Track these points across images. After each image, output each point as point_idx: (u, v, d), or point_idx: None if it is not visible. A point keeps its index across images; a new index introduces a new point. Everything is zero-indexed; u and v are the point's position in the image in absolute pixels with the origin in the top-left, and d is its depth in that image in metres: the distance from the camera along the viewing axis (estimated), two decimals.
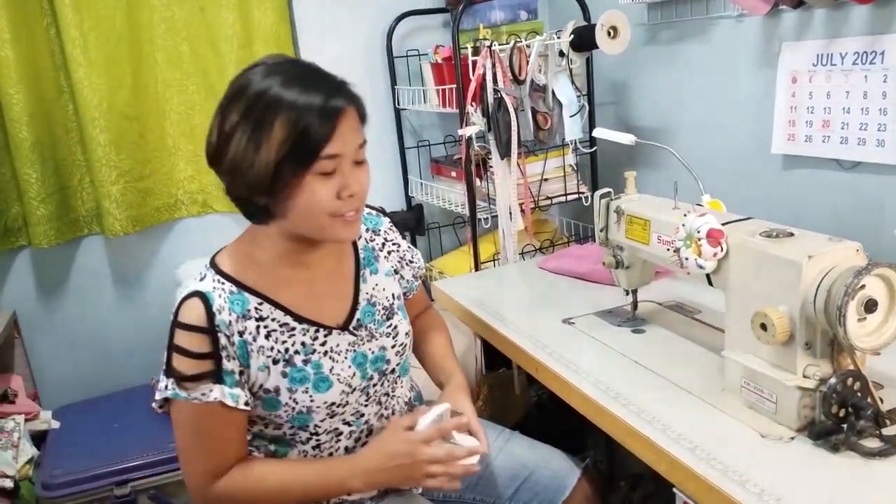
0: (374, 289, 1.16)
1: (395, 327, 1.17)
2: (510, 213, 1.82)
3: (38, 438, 1.81)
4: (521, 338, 1.33)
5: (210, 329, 0.98)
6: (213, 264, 1.05)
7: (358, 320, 1.12)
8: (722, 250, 1.00)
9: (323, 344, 1.07)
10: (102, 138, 1.89)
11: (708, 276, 1.05)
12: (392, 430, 1.06)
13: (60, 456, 1.72)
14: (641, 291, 1.35)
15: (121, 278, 2.12)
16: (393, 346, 1.15)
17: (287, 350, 1.04)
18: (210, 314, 0.98)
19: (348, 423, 1.11)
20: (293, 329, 1.05)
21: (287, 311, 1.05)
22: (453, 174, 2.02)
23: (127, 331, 2.12)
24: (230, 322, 0.99)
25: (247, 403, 1.01)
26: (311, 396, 1.05)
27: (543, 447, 1.29)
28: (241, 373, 1.01)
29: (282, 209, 0.98)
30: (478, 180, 1.86)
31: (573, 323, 1.37)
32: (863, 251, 0.92)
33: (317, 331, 1.07)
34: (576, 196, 1.95)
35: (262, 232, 1.05)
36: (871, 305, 0.86)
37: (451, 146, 2.25)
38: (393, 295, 1.19)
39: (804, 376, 0.91)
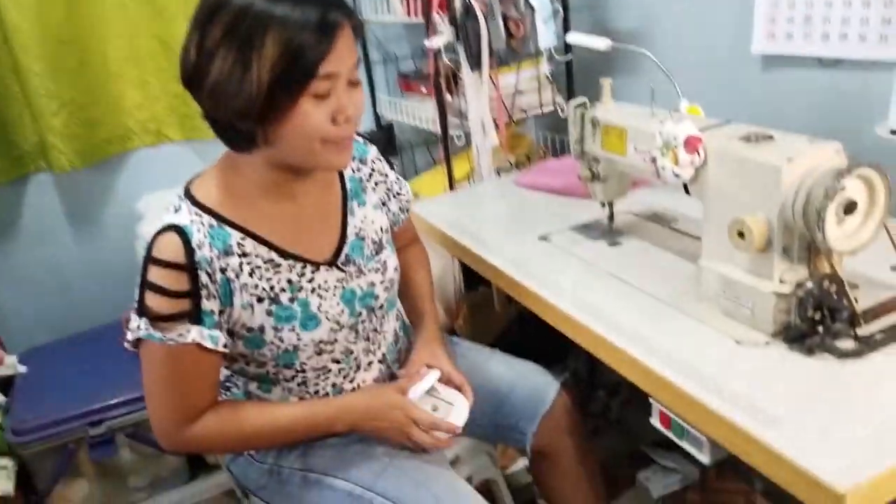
0: (362, 222, 1.12)
1: (384, 262, 1.13)
2: (483, 129, 1.77)
3: (5, 385, 1.77)
4: (498, 259, 1.30)
5: (190, 266, 0.92)
6: (189, 195, 0.98)
7: (346, 255, 1.08)
8: (699, 157, 0.97)
9: (310, 281, 1.03)
10: (37, 66, 1.77)
11: (685, 185, 1.02)
12: (381, 391, 1.06)
13: (30, 400, 1.68)
14: (618, 203, 1.32)
15: (77, 216, 2.04)
16: (382, 282, 1.12)
17: (272, 288, 1.00)
18: (189, 250, 0.92)
19: (337, 361, 1.09)
20: (279, 266, 1.01)
21: (272, 247, 1.00)
22: (423, 89, 1.94)
23: (88, 269, 2.07)
24: (212, 259, 0.94)
25: (225, 345, 0.98)
26: (297, 335, 1.01)
27: (522, 363, 1.29)
28: (220, 312, 0.96)
29: (269, 135, 0.91)
30: (448, 95, 1.79)
31: (550, 239, 1.35)
32: (843, 152, 0.89)
33: (304, 267, 1.03)
34: (552, 108, 1.89)
35: (243, 160, 0.98)
36: (850, 207, 0.84)
37: (420, 60, 2.16)
38: (381, 228, 1.15)
39: (780, 281, 0.90)
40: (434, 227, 1.52)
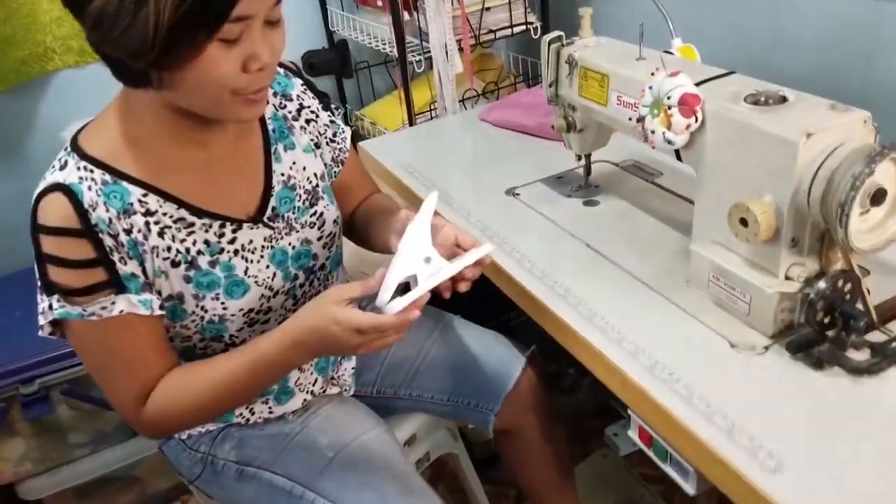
0: (291, 168, 0.94)
1: (321, 215, 0.97)
2: (446, 53, 1.55)
3: None
4: (458, 216, 1.14)
5: (87, 230, 0.77)
6: (76, 147, 0.81)
7: (273, 209, 0.92)
8: (696, 121, 0.80)
9: (232, 241, 0.88)
10: None
11: (677, 150, 0.85)
12: (317, 305, 0.80)
13: None
14: (596, 151, 1.15)
15: None
16: (319, 239, 0.96)
17: (188, 251, 0.84)
18: (81, 212, 0.77)
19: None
20: (191, 225, 0.84)
21: (181, 204, 0.84)
22: (379, 3, 1.70)
23: (11, 206, 1.85)
24: (110, 220, 0.78)
25: (162, 307, 0.84)
26: (223, 303, 0.87)
27: (485, 333, 1.16)
28: (144, 272, 0.82)
29: (168, 80, 0.72)
30: (406, 13, 1.56)
31: (518, 194, 1.18)
32: (871, 121, 0.73)
33: (222, 226, 0.87)
34: (523, 28, 1.66)
35: (139, 102, 0.80)
36: (878, 196, 0.69)
37: None
38: (316, 175, 0.97)
39: (787, 278, 0.76)
40: (386, 170, 1.34)
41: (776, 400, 0.72)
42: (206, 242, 0.86)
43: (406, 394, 1.14)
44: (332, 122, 1.02)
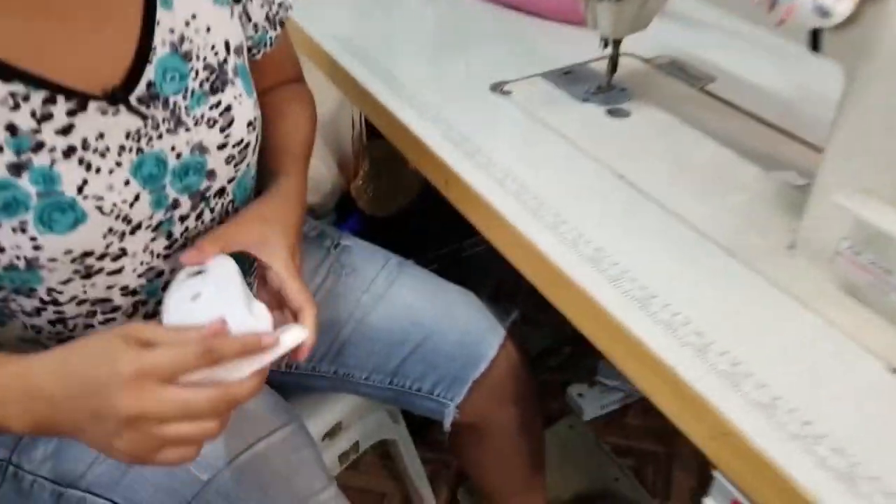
0: (187, 26, 0.56)
1: (228, 108, 0.59)
2: None
3: None
4: (420, 121, 0.76)
5: None
6: None
7: (150, 85, 0.54)
8: None
9: (65, 131, 0.50)
10: None
11: (816, 33, 0.50)
12: (104, 340, 0.47)
13: None
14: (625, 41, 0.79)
15: None
16: (222, 147, 0.59)
17: None
18: None
19: (130, 291, 0.59)
20: None
21: None
22: None
23: None
24: None
25: None
26: (32, 238, 0.50)
27: (448, 289, 0.81)
28: None
29: None
30: None
31: (508, 92, 0.81)
32: None
33: (49, 101, 0.49)
34: None
35: None
36: None
37: None
38: (227, 45, 0.60)
39: None
40: (319, 48, 0.93)
41: None
42: (11, 128, 0.48)
43: (329, 371, 0.79)
44: None
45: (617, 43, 0.77)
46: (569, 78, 0.83)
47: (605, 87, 0.79)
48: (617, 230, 0.61)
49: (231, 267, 0.56)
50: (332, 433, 0.84)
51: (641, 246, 0.59)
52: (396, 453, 0.98)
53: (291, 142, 0.72)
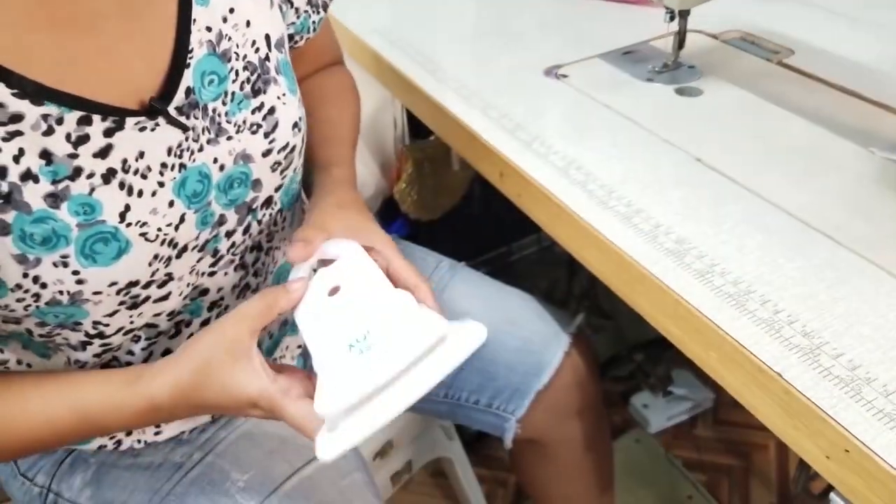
0: (224, 22, 0.51)
1: (272, 110, 0.53)
2: None
3: None
4: (468, 108, 0.70)
5: None
6: None
7: (189, 91, 0.48)
8: None
9: (103, 153, 0.44)
10: None
11: None
12: (214, 365, 0.46)
13: None
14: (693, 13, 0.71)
15: None
16: (267, 154, 0.53)
17: (4, 172, 0.41)
18: None
19: (175, 314, 0.55)
20: (17, 119, 0.41)
21: (7, 78, 0.40)
22: None
23: None
24: None
25: None
26: (75, 272, 0.45)
27: (508, 294, 0.75)
28: None
29: None
30: None
31: (565, 76, 0.74)
32: None
33: (84, 120, 0.43)
34: None
35: None
36: None
37: None
38: (268, 39, 0.54)
39: None
40: (358, 39, 0.89)
41: None
42: (46, 155, 0.42)
43: None
44: None
45: (684, 15, 0.69)
46: (630, 58, 0.76)
47: (671, 65, 0.72)
48: (699, 219, 0.53)
49: (360, 252, 0.50)
50: (383, 452, 0.78)
51: (729, 235, 0.52)
52: (451, 472, 0.92)
53: (338, 130, 0.66)
